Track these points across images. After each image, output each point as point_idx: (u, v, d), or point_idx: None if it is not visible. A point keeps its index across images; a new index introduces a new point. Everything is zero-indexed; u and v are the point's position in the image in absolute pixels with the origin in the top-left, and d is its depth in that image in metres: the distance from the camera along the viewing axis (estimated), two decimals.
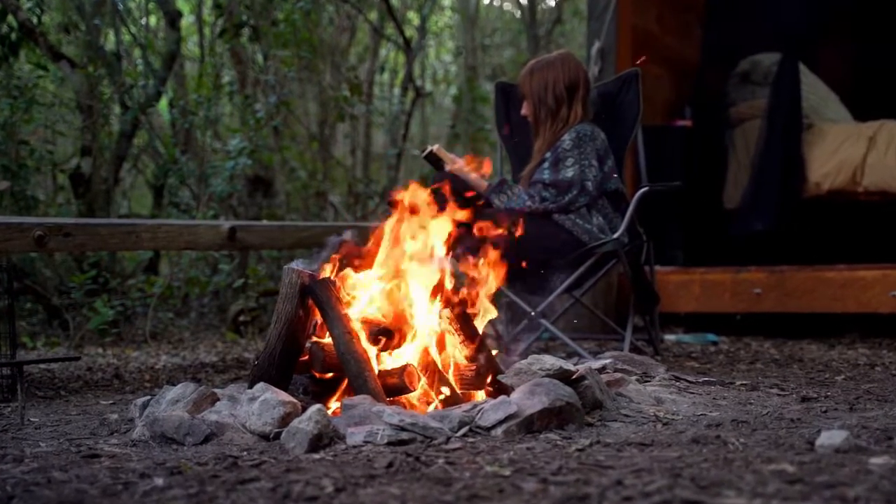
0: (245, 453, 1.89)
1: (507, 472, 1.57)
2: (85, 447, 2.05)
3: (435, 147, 3.58)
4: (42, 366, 3.62)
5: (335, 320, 2.24)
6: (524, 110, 3.58)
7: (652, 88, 3.67)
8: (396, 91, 8.65)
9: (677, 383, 2.58)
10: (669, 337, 4.46)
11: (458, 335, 2.33)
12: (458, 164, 3.50)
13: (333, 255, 2.40)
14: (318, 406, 1.95)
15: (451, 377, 2.31)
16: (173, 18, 6.02)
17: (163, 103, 6.85)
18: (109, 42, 6.00)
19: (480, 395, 2.33)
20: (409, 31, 8.15)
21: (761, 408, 2.30)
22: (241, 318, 5.04)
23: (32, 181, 5.10)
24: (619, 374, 2.44)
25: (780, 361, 3.54)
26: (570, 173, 3.36)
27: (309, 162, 7.00)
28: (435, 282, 2.33)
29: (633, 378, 2.50)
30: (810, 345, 4.19)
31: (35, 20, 4.96)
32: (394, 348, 2.31)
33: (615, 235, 3.34)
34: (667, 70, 5.36)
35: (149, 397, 2.35)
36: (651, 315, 3.71)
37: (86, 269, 4.91)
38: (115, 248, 3.91)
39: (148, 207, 6.57)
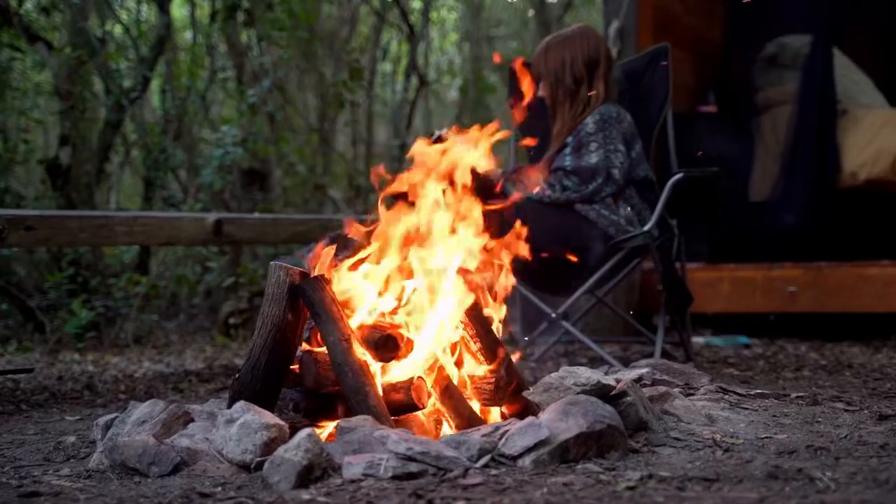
0: (219, 489, 1.55)
1: None
2: (29, 479, 1.71)
3: (444, 132, 3.24)
4: (6, 376, 3.27)
5: (330, 325, 1.89)
6: (541, 91, 3.23)
7: (673, 72, 3.32)
8: (400, 82, 8.29)
9: (727, 396, 2.23)
10: (698, 339, 4.10)
11: (475, 342, 1.99)
12: None
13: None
14: (307, 431, 1.60)
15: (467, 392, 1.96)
16: (163, 1, 5.67)
17: (156, 99, 6.51)
18: (94, 26, 5.64)
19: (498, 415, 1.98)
20: (412, 18, 7.78)
21: (833, 428, 1.95)
22: (232, 321, 4.68)
23: (6, 173, 4.73)
24: (662, 388, 2.09)
25: (827, 368, 3.19)
26: (593, 159, 3.02)
27: (308, 156, 6.64)
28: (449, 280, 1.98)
29: (677, 391, 2.15)
30: (852, 348, 3.84)
31: (13, 1, 4.62)
32: (399, 358, 1.96)
33: (645, 228, 2.99)
34: (689, 52, 4.99)
35: (115, 415, 2.02)
36: (682, 316, 3.35)
37: (64, 268, 4.54)
38: (85, 243, 3.54)
39: (140, 203, 6.20)
